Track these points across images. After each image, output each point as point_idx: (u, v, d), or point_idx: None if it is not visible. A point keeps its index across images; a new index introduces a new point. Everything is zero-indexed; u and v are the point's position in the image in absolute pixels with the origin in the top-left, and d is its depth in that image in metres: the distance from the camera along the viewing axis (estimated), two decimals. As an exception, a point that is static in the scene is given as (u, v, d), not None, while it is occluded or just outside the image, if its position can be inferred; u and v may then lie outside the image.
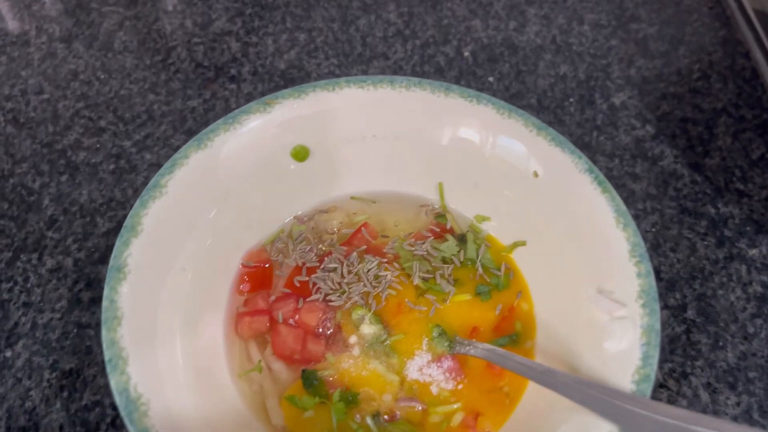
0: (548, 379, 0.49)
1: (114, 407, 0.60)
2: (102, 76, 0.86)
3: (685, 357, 0.65)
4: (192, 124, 0.81)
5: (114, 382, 0.46)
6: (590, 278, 0.55)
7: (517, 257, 0.64)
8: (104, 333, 0.48)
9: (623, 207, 0.55)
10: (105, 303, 0.49)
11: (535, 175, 0.60)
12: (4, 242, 0.70)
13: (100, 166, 0.76)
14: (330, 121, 0.63)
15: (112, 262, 0.51)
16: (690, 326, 0.67)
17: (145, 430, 0.44)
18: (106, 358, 0.47)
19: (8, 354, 0.63)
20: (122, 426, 0.59)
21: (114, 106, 0.82)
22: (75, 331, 0.65)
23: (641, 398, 0.45)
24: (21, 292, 0.67)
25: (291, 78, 0.86)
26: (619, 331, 0.51)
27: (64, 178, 0.75)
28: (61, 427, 0.59)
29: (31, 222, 0.72)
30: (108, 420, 0.60)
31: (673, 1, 0.98)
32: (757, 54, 0.90)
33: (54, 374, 0.62)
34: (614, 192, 0.56)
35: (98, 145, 0.78)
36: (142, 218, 0.53)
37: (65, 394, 0.61)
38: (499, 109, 0.61)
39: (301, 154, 0.64)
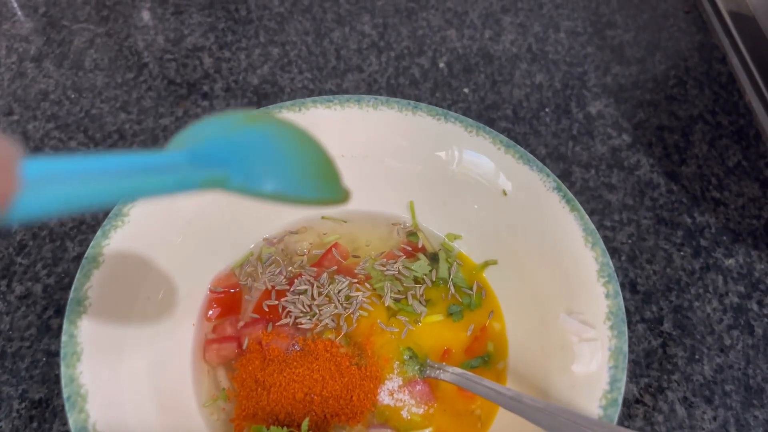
0: (517, 405, 0.48)
1: (84, 437, 0.59)
2: (72, 96, 0.85)
3: (661, 371, 0.65)
4: (164, 143, 0.79)
5: (72, 420, 0.45)
6: (560, 298, 0.55)
7: (489, 276, 0.63)
8: (63, 369, 0.47)
9: (591, 225, 0.55)
10: (64, 338, 0.48)
11: (504, 193, 0.60)
12: (-27, 269, 0.69)
13: (70, 189, 0.75)
14: (297, 141, 0.62)
15: (72, 294, 0.50)
16: (666, 339, 0.66)
17: (105, 470, 0.44)
18: (65, 395, 0.46)
19: (-24, 385, 0.62)
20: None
21: (85, 125, 0.82)
22: (44, 359, 0.64)
23: (607, 424, 0.45)
24: (-11, 320, 0.66)
25: (264, 93, 0.85)
26: (587, 353, 0.50)
27: (33, 201, 0.74)
28: (29, 460, 0.58)
29: (0, 248, 0.71)
30: (78, 451, 0.59)
31: (650, 6, 0.97)
32: (734, 59, 0.89)
33: (23, 404, 0.61)
34: (582, 210, 0.55)
35: (68, 167, 0.77)
36: (103, 248, 0.53)
37: (34, 424, 0.60)
38: (467, 127, 0.60)
39: (268, 176, 0.63)
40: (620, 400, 0.47)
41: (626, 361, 0.48)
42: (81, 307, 0.50)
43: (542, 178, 0.57)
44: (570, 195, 0.56)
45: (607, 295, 0.51)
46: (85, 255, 0.52)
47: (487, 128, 0.60)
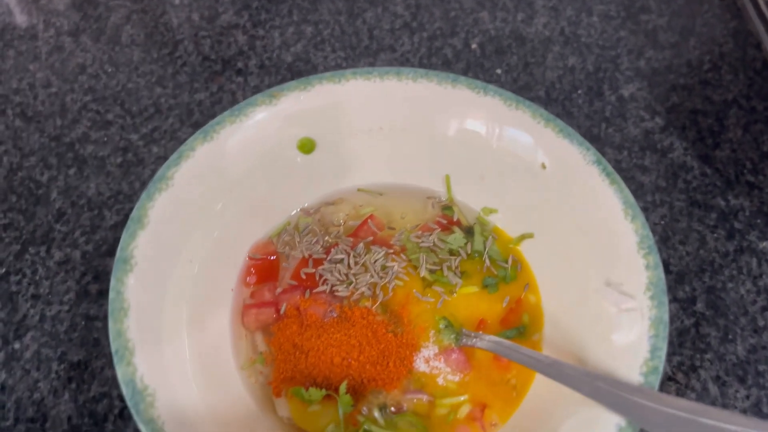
0: (555, 371, 0.49)
1: (122, 399, 0.60)
2: (109, 70, 0.86)
3: (694, 350, 0.65)
4: (199, 117, 0.81)
5: (120, 373, 0.46)
6: (598, 270, 0.55)
7: (525, 249, 0.63)
8: (111, 324, 0.48)
9: (631, 199, 0.55)
10: (112, 294, 0.49)
11: (543, 166, 0.60)
12: (13, 235, 0.71)
13: (107, 160, 0.77)
14: (336, 113, 0.63)
15: (118, 253, 0.51)
16: (699, 319, 0.66)
17: (151, 420, 0.45)
18: (113, 349, 0.47)
19: (17, 346, 0.63)
20: (130, 418, 0.59)
21: (121, 99, 0.83)
22: (83, 323, 0.65)
23: (649, 390, 0.45)
24: (29, 284, 0.67)
25: (298, 71, 0.86)
26: (627, 323, 0.50)
27: (72, 171, 0.76)
28: (69, 419, 0.60)
29: (40, 215, 0.72)
30: (116, 411, 0.60)
31: (684, -8, 0.97)
32: (769, 45, 0.89)
33: (62, 366, 0.63)
34: (622, 184, 0.55)
35: (106, 139, 0.79)
36: (148, 210, 0.53)
37: (73, 385, 0.62)
38: (507, 101, 0.60)
39: (307, 147, 0.63)
40: (661, 369, 0.47)
41: (667, 330, 0.49)
42: (127, 266, 0.51)
43: (582, 151, 0.57)
44: (610, 168, 0.56)
45: (647, 267, 0.51)
46: (131, 216, 0.53)
47: (527, 101, 0.60)
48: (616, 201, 0.55)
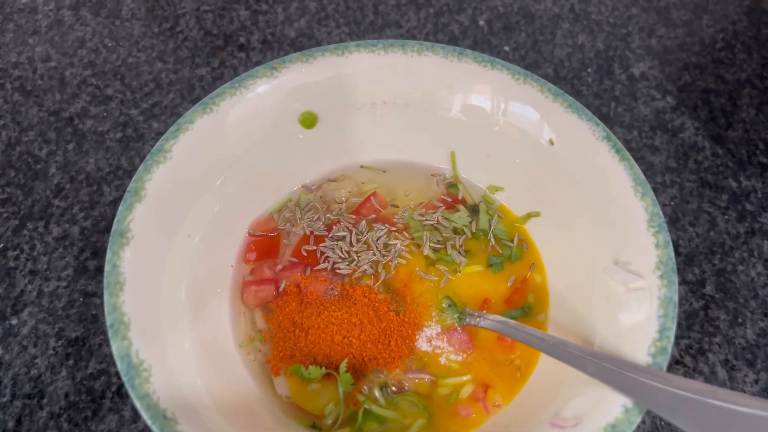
0: (561, 351, 0.47)
1: (120, 376, 0.59)
2: (109, 44, 0.84)
3: (702, 333, 0.63)
4: (200, 93, 0.79)
5: (115, 347, 0.45)
6: (606, 249, 0.53)
7: (531, 228, 0.62)
8: (106, 298, 0.47)
9: (641, 176, 0.53)
10: (107, 268, 0.48)
11: (551, 143, 0.58)
12: (11, 210, 0.70)
13: (107, 135, 0.75)
14: (339, 86, 0.61)
15: (114, 226, 0.50)
16: (708, 302, 0.65)
17: (146, 395, 0.44)
18: (108, 323, 0.46)
19: (14, 321, 0.63)
20: (128, 395, 0.58)
21: (121, 74, 0.81)
22: (81, 299, 0.64)
23: (657, 371, 0.43)
24: (27, 260, 0.66)
25: (301, 46, 0.84)
26: (635, 302, 0.49)
27: (70, 146, 0.74)
28: (66, 395, 0.59)
29: (38, 190, 0.71)
30: (113, 388, 0.59)
31: (697, -31, 0.94)
32: (785, 23, 0.86)
33: (60, 342, 0.62)
34: (632, 160, 0.54)
35: (105, 114, 0.77)
36: (145, 183, 0.52)
37: (71, 362, 0.61)
38: (514, 75, 0.59)
39: (309, 121, 0.62)
40: (669, 349, 0.46)
41: (676, 310, 0.47)
42: (124, 239, 0.49)
43: (591, 127, 0.56)
44: (620, 145, 0.55)
45: (657, 245, 0.50)
46: (128, 189, 0.52)
47: (535, 76, 0.58)
48: (626, 178, 0.53)
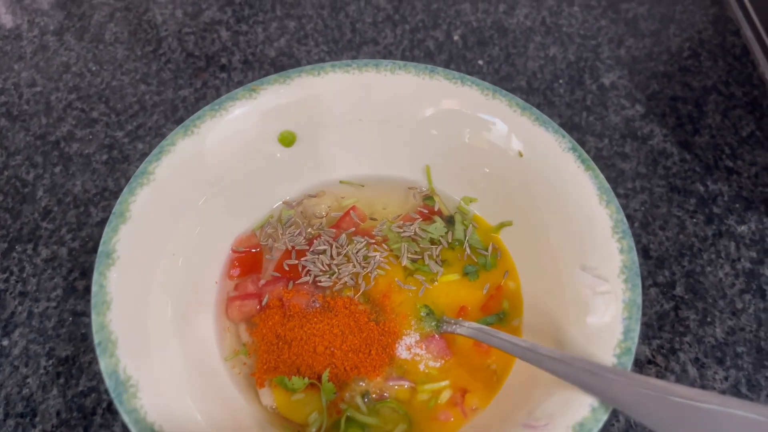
0: (532, 355, 0.50)
1: (109, 393, 0.61)
2: (94, 68, 0.86)
3: (673, 333, 0.66)
4: (183, 114, 0.81)
5: (104, 364, 0.47)
6: (574, 255, 0.56)
7: (504, 237, 0.64)
8: (94, 317, 0.49)
9: (606, 184, 0.56)
10: (94, 288, 0.50)
11: (520, 154, 0.61)
12: (0, 233, 0.71)
13: (92, 157, 0.77)
14: (316, 106, 0.64)
15: (101, 247, 0.52)
16: (678, 303, 0.67)
17: (134, 410, 0.45)
18: (96, 341, 0.48)
19: (5, 342, 0.64)
20: (117, 411, 0.60)
21: (106, 97, 0.83)
22: (70, 319, 0.66)
23: (621, 371, 0.46)
24: (17, 281, 0.68)
25: (281, 65, 0.87)
26: (601, 306, 0.51)
27: (57, 169, 0.76)
28: (58, 413, 0.60)
29: (26, 213, 0.73)
30: (104, 405, 0.61)
31: (664, -20, 0.98)
32: (747, 31, 0.90)
33: (50, 361, 0.63)
34: (597, 170, 0.56)
35: (91, 136, 0.79)
36: (130, 205, 0.54)
37: (62, 380, 0.62)
38: (483, 90, 0.61)
39: (288, 140, 0.64)
40: (633, 349, 0.48)
41: (640, 312, 0.49)
42: (110, 260, 0.51)
43: (557, 139, 0.58)
44: (585, 155, 0.57)
45: (621, 251, 0.52)
46: (113, 210, 0.54)
47: (503, 91, 0.61)
48: (591, 187, 0.56)
